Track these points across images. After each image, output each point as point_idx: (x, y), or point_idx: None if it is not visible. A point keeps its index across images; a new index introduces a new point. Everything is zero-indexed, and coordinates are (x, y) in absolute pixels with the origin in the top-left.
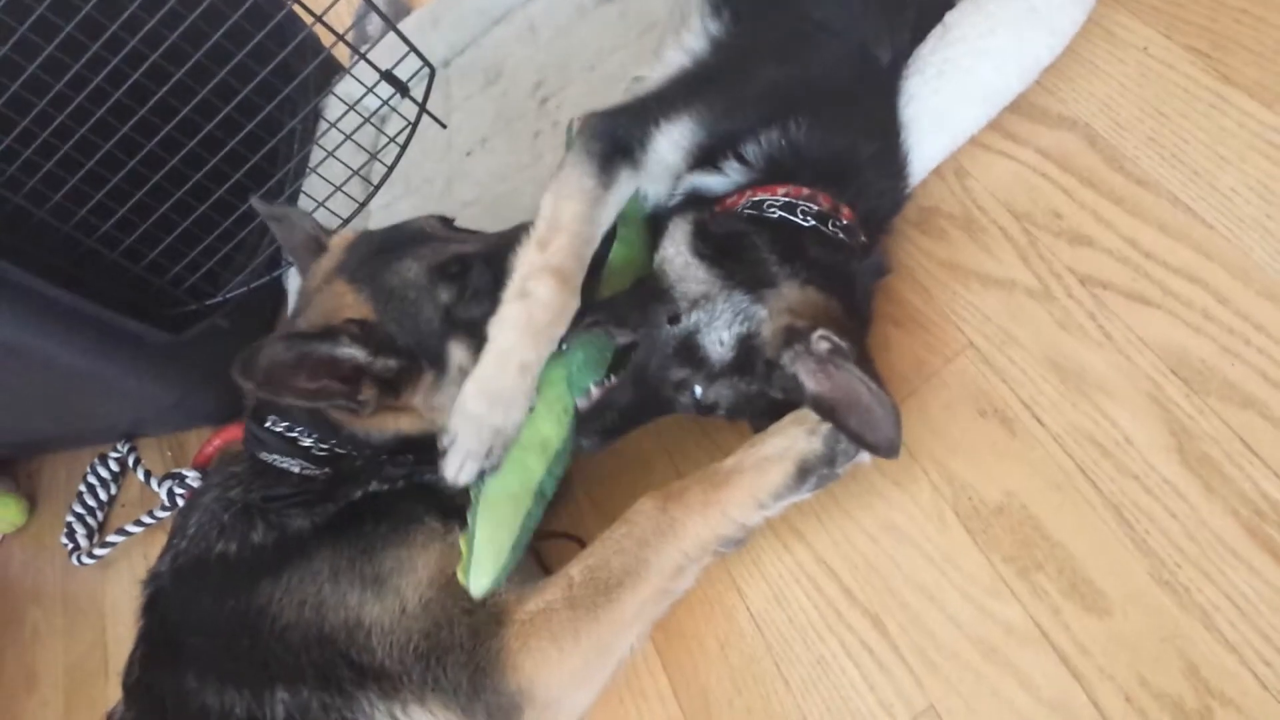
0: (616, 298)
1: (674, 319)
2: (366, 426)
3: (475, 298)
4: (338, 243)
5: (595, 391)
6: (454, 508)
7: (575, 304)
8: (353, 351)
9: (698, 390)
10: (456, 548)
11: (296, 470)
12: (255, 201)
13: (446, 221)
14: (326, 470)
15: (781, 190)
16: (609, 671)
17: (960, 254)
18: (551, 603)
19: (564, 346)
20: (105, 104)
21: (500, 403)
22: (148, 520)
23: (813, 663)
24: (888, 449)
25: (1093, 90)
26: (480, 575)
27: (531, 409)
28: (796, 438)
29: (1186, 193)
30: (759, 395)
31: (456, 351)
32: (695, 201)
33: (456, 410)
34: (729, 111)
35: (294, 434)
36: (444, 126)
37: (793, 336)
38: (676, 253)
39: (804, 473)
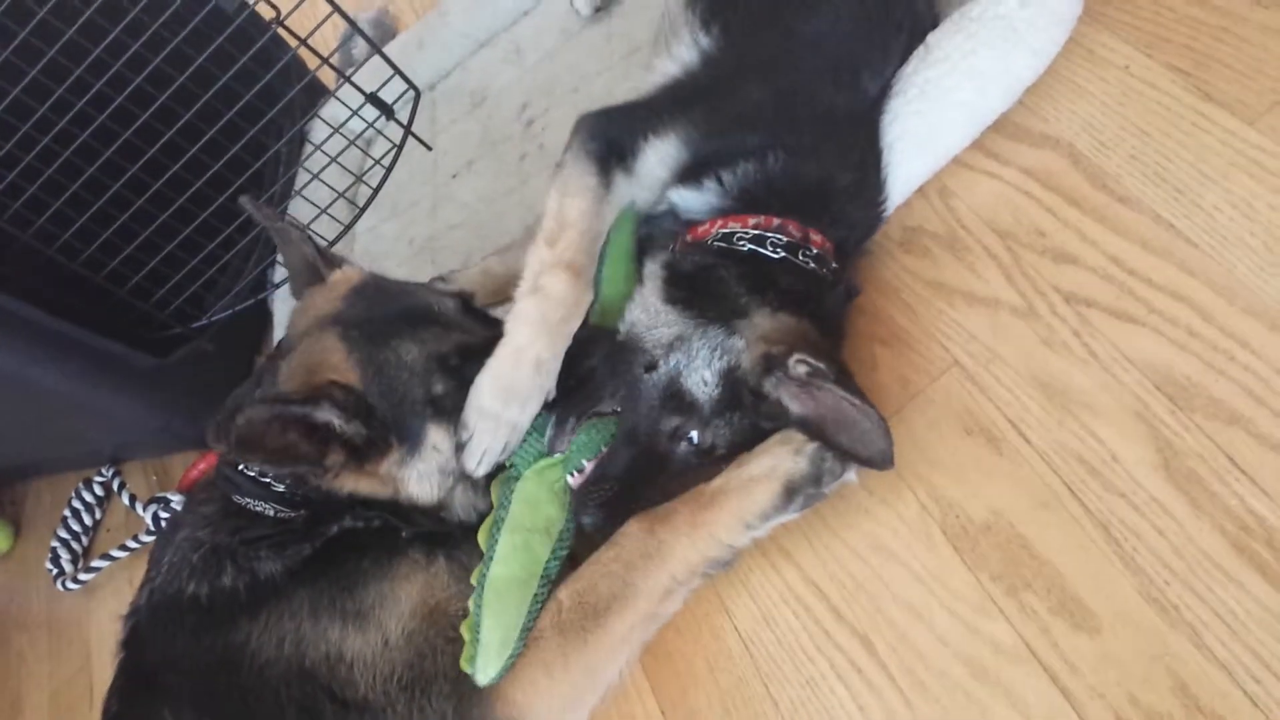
0: (585, 381)
1: (650, 367)
2: (328, 483)
3: (465, 389)
4: (339, 281)
5: (588, 466)
6: (439, 536)
7: (588, 298)
8: (330, 417)
9: (694, 436)
10: (440, 578)
11: (271, 514)
12: (246, 201)
13: (464, 299)
14: (301, 512)
15: (752, 221)
16: (599, 695)
17: (945, 273)
18: (541, 630)
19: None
20: (89, 128)
21: (516, 399)
22: (133, 545)
23: (802, 684)
24: (881, 460)
25: (1075, 109)
26: (488, 665)
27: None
28: (782, 458)
29: (1170, 210)
30: (752, 428)
31: (434, 433)
32: (671, 220)
33: (471, 405)
34: (710, 135)
35: (266, 479)
36: (429, 149)
37: (771, 363)
38: (644, 310)
39: (790, 493)
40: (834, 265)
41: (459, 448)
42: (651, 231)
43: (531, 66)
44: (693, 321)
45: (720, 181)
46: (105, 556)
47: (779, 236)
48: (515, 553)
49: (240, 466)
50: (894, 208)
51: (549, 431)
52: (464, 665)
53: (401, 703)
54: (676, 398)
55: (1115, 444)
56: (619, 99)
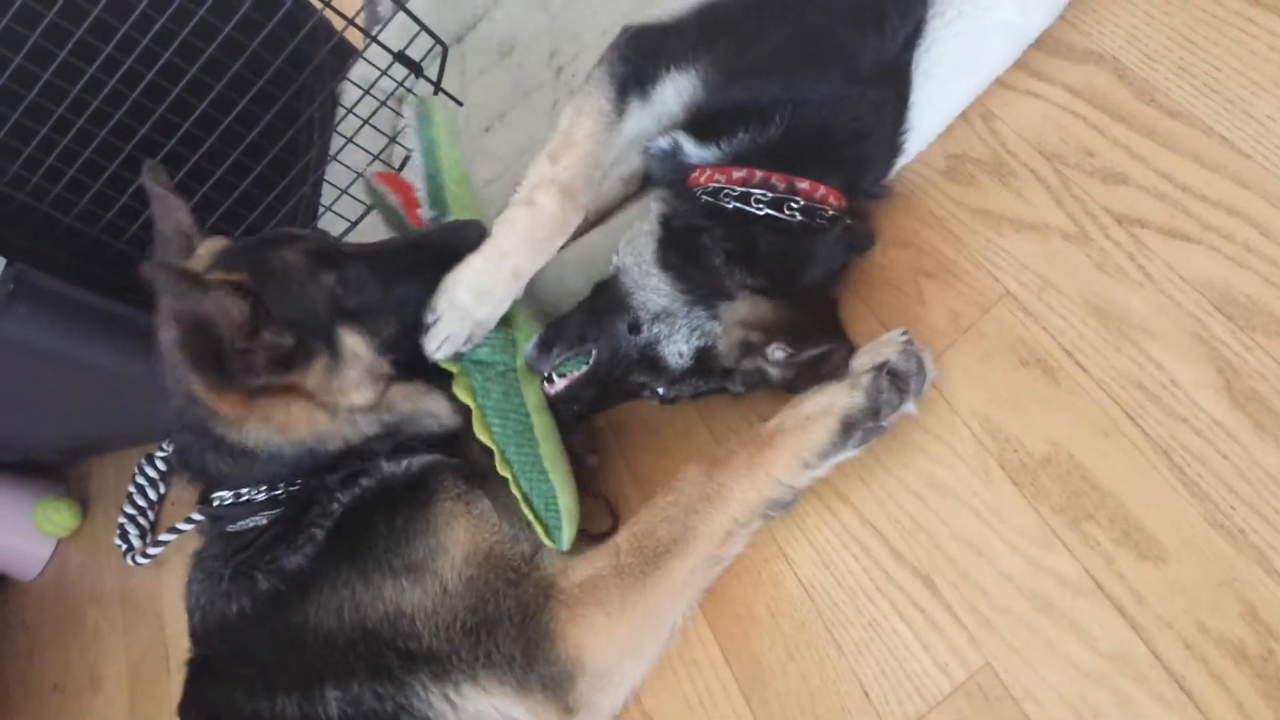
0: (573, 314)
1: (634, 328)
2: (273, 435)
3: (358, 289)
4: (205, 250)
5: (560, 383)
6: (475, 473)
7: (577, 221)
8: (232, 304)
9: (660, 390)
10: (487, 520)
11: (264, 522)
12: (147, 169)
13: (321, 231)
14: (291, 492)
15: (736, 176)
16: (660, 641)
17: (991, 200)
18: (599, 571)
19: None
20: (122, 106)
21: (488, 300)
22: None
23: (864, 625)
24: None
25: (1119, 22)
26: (570, 529)
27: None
28: (838, 394)
29: (1221, 122)
30: (719, 390)
31: (348, 338)
32: (671, 161)
33: (444, 294)
34: (728, 79)
35: (244, 497)
36: (460, 104)
37: (749, 350)
38: (635, 262)
39: (848, 428)
40: (830, 212)
41: (424, 328)
42: (651, 168)
43: (557, 12)
44: (681, 298)
45: (727, 130)
46: (172, 530)
47: (764, 192)
48: (550, 425)
49: (215, 503)
50: (936, 135)
51: (529, 351)
52: (545, 540)
53: (466, 648)
54: (651, 361)
55: (1174, 368)
56: None
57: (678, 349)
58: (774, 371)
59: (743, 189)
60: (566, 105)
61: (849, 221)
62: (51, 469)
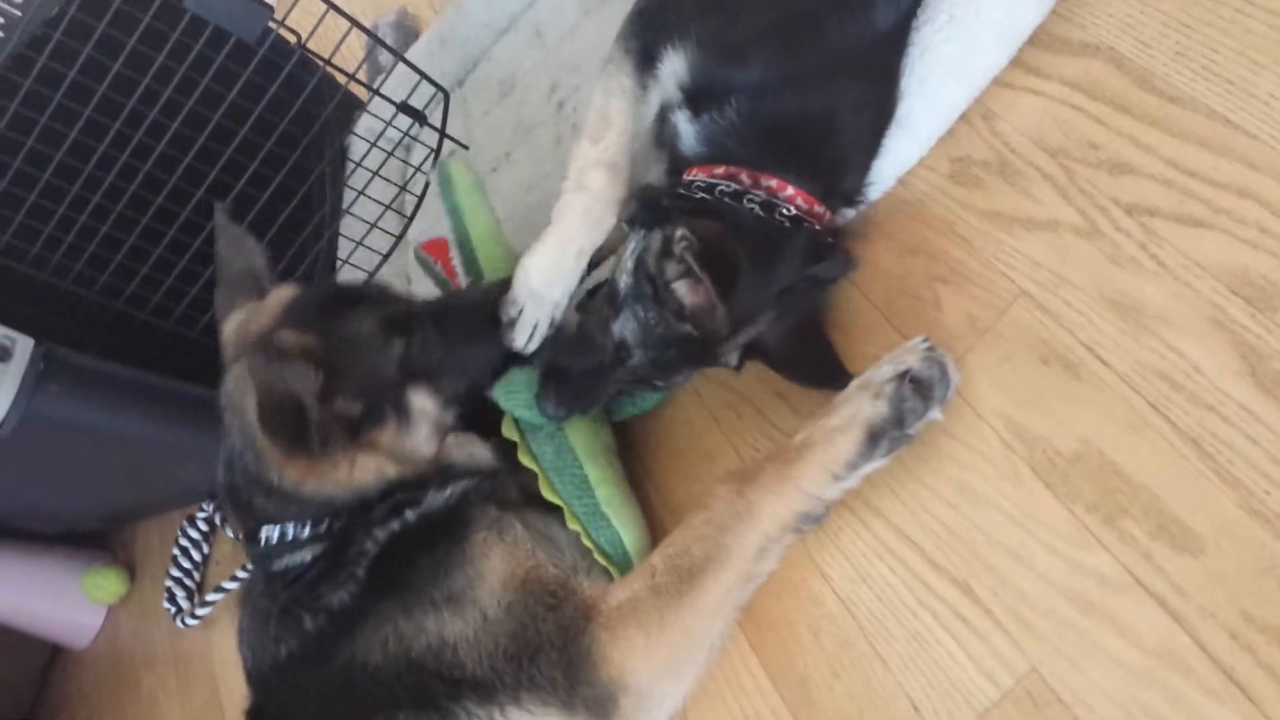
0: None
1: (611, 299)
2: (332, 487)
3: (426, 351)
4: (275, 299)
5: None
6: (508, 500)
7: (623, 194)
8: (309, 370)
9: (614, 328)
10: (521, 546)
11: (309, 558)
12: (218, 209)
13: (383, 285)
14: (332, 530)
15: (718, 172)
16: (699, 660)
17: (999, 201)
18: (636, 592)
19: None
20: (135, 180)
21: (559, 281)
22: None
23: (908, 639)
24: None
25: (1112, 11)
26: (637, 546)
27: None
28: (861, 404)
29: (1224, 104)
30: (667, 331)
31: (417, 398)
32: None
33: (520, 285)
34: (710, 62)
35: (289, 535)
36: (466, 148)
37: (668, 245)
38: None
39: (874, 438)
40: (793, 212)
41: (509, 324)
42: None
43: (554, 47)
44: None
45: (700, 116)
46: (219, 589)
47: (727, 183)
48: (606, 472)
49: (261, 542)
50: (934, 140)
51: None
52: (612, 571)
53: (509, 673)
54: (611, 295)
55: (1197, 355)
56: None
57: (625, 268)
58: (686, 295)
59: (708, 180)
60: (595, 88)
61: (814, 225)
62: (96, 537)
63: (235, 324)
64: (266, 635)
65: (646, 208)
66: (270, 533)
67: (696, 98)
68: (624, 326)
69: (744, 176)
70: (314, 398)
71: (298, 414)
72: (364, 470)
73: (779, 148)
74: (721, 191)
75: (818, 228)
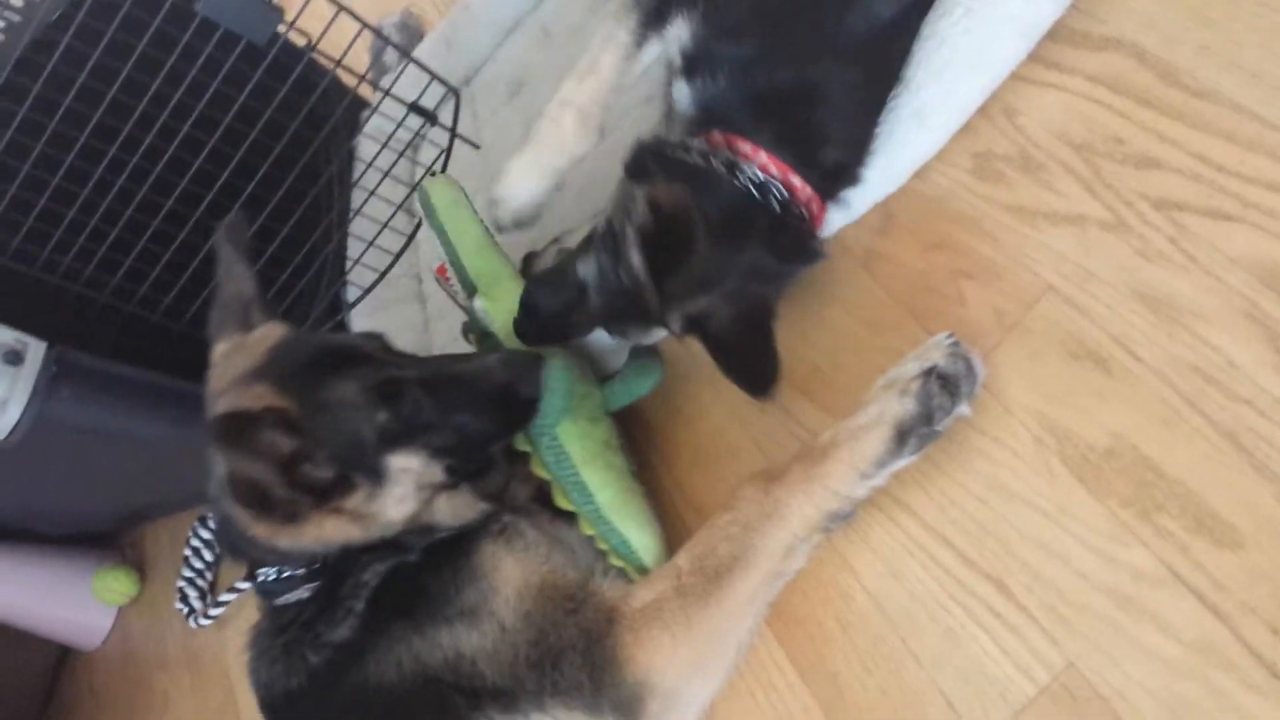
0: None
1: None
2: (304, 543)
3: (414, 416)
4: (261, 338)
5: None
6: (512, 506)
7: (590, 141)
8: (278, 438)
9: (579, 268)
10: (533, 552)
11: (307, 595)
12: (224, 227)
13: (381, 339)
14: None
15: (701, 138)
16: (727, 660)
17: (1023, 195)
18: (661, 593)
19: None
20: (145, 183)
21: (530, 188)
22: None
23: (940, 635)
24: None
25: (1133, 6)
26: (648, 554)
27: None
28: (889, 401)
29: (1249, 97)
30: (616, 283)
31: (397, 460)
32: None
33: (501, 181)
34: (709, 36)
35: (287, 574)
36: (477, 147)
37: (624, 196)
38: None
39: (902, 435)
40: (760, 180)
41: (494, 206)
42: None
43: (562, 45)
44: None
45: (699, 81)
46: (232, 589)
47: (702, 144)
48: (605, 475)
49: (260, 579)
50: (952, 133)
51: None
52: (630, 572)
53: (532, 680)
54: (592, 237)
55: (1230, 349)
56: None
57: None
58: (632, 255)
59: (705, 147)
60: (598, 29)
61: (783, 194)
62: (106, 538)
63: (220, 353)
64: (276, 672)
65: (634, 160)
66: (268, 572)
67: (694, 64)
68: (588, 269)
69: (716, 135)
70: (280, 474)
71: (264, 491)
72: (332, 532)
73: (755, 112)
74: (699, 151)
75: (787, 196)
